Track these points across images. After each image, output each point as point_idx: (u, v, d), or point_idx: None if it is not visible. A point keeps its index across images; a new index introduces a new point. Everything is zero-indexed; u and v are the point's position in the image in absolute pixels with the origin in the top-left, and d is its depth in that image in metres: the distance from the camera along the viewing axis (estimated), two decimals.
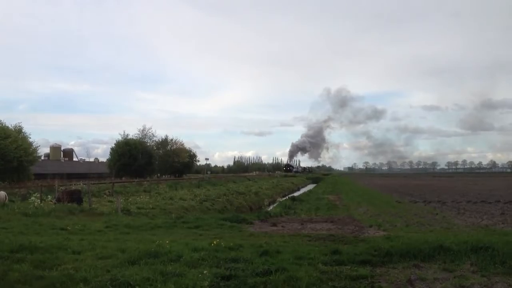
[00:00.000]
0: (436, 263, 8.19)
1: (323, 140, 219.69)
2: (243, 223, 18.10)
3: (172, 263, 7.83)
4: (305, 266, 7.65)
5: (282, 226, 17.86)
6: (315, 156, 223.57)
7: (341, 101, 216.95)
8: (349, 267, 7.76)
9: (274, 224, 18.42)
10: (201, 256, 8.27)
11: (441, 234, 13.36)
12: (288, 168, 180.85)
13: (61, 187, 28.01)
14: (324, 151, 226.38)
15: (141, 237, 12.56)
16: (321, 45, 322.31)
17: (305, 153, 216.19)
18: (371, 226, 17.66)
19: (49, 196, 23.71)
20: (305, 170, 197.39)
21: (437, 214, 24.11)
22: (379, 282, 6.95)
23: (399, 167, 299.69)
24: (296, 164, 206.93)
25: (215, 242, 9.81)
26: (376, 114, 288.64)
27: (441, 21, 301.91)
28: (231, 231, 15.37)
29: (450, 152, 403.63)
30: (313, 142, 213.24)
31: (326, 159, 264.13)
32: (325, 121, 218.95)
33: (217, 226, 16.45)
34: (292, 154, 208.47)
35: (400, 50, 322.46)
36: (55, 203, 21.90)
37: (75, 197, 23.59)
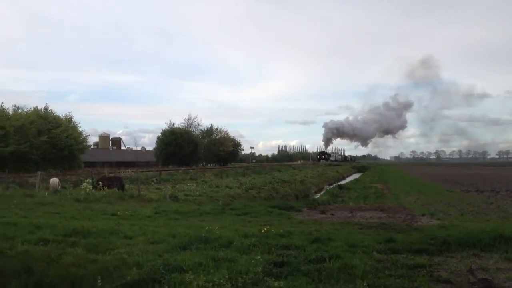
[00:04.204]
0: (497, 253, 7.87)
1: (396, 125, 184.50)
2: (291, 211, 18.02)
3: (223, 248, 7.79)
4: (359, 254, 7.46)
5: (331, 214, 17.67)
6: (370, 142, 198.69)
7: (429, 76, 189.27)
8: (405, 256, 7.53)
9: (323, 212, 18.24)
10: (252, 242, 8.18)
11: (499, 223, 12.83)
12: (322, 156, 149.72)
13: (111, 174, 28.68)
14: (389, 138, 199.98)
15: (190, 223, 12.61)
16: (367, 32, 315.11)
17: (344, 138, 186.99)
18: (423, 215, 17.20)
19: (99, 183, 24.22)
20: (346, 159, 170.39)
21: (491, 203, 23.27)
22: (438, 271, 6.70)
23: (448, 156, 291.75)
24: (340, 152, 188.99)
25: (265, 229, 9.72)
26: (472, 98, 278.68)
27: None
28: (279, 218, 15.28)
29: (502, 140, 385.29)
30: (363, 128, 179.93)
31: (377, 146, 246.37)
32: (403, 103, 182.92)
33: (265, 213, 16.40)
34: (328, 141, 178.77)
35: (448, 34, 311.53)
36: (93, 189, 21.93)
37: (116, 183, 23.87)
